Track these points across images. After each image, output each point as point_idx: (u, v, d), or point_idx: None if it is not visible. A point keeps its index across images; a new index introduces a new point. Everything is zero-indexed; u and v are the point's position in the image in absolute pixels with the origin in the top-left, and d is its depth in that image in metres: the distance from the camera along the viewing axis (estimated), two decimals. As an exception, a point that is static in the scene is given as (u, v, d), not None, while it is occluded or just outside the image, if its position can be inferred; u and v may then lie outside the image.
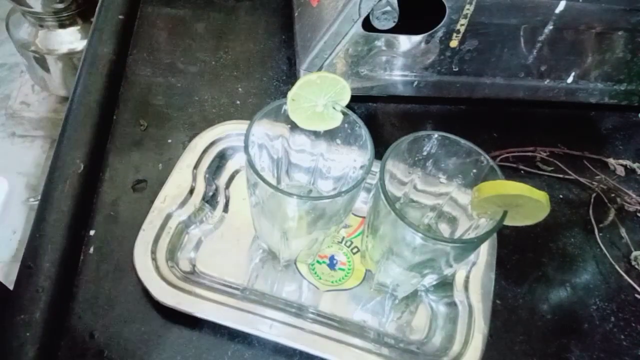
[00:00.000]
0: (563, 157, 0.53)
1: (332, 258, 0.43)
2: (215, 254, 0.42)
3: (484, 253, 0.42)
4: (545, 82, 0.55)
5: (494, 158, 0.45)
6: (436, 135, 0.36)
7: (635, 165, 0.54)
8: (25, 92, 1.40)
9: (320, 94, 0.36)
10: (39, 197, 0.43)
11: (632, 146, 0.56)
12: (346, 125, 0.37)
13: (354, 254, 0.44)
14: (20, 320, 0.37)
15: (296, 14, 0.55)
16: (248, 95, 0.54)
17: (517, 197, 0.32)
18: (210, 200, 0.44)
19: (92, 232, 0.43)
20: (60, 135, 0.47)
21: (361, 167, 0.37)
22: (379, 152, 0.35)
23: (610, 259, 0.47)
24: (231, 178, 0.47)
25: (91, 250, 0.42)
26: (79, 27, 1.22)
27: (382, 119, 0.55)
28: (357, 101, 0.55)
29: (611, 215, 0.49)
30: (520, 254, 0.46)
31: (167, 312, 0.39)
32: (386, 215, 0.34)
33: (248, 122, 0.35)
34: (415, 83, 0.53)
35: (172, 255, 0.41)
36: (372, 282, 0.42)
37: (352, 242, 0.44)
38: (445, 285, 0.41)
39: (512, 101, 0.56)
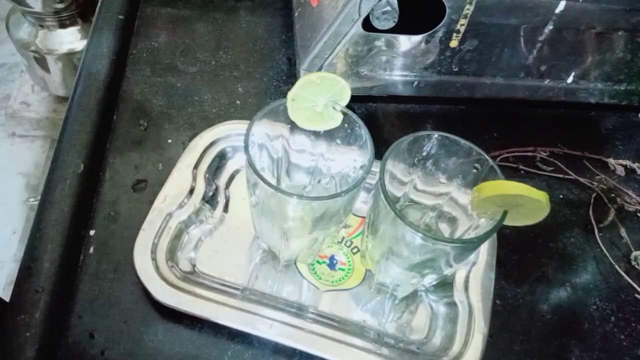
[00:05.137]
0: (563, 157, 0.53)
1: (332, 258, 0.43)
2: (215, 254, 0.42)
3: (484, 253, 0.42)
4: (545, 82, 0.55)
5: (494, 158, 0.45)
6: (436, 135, 0.36)
7: (635, 165, 0.54)
8: (25, 92, 1.40)
9: (320, 94, 0.36)
10: (39, 197, 0.43)
11: (632, 146, 0.56)
12: (346, 125, 0.37)
13: (354, 254, 0.44)
14: (20, 320, 0.37)
15: (296, 14, 0.55)
16: (248, 95, 0.54)
17: (517, 197, 0.32)
18: (210, 200, 0.44)
19: (92, 232, 0.43)
20: (60, 135, 0.47)
21: (361, 167, 0.37)
22: (379, 152, 0.35)
23: (610, 259, 0.47)
24: (231, 178, 0.47)
25: (91, 250, 0.42)
26: (79, 27, 1.22)
27: (382, 119, 0.55)
28: (357, 101, 0.55)
29: (611, 215, 0.49)
30: (520, 254, 0.46)
31: (167, 312, 0.39)
32: (386, 215, 0.34)
33: (248, 122, 0.35)
34: (415, 83, 0.53)
35: (172, 255, 0.41)
36: (372, 282, 0.42)
37: (352, 242, 0.44)
38: (445, 285, 0.41)
39: (512, 101, 0.56)
